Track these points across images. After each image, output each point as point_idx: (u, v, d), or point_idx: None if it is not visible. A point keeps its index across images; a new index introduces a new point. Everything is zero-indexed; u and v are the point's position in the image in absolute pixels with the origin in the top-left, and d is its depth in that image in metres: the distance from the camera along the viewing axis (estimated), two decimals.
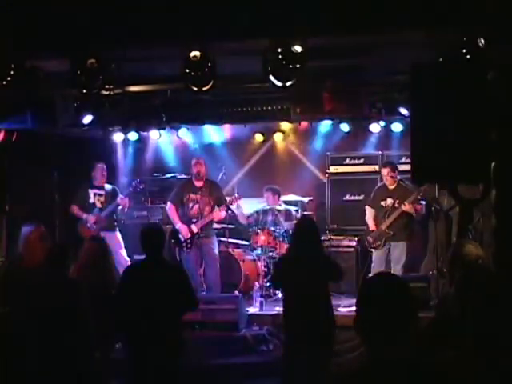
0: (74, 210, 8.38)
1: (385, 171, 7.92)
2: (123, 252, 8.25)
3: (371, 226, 7.95)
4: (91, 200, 8.39)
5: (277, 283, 6.06)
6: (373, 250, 7.96)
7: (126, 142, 9.79)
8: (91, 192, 8.43)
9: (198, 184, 8.06)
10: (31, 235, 5.60)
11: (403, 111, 7.83)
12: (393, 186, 7.89)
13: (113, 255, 7.74)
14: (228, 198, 8.22)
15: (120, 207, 8.44)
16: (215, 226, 8.46)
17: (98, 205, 8.38)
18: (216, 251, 8.17)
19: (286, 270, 5.42)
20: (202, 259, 8.09)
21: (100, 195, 8.43)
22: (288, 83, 5.87)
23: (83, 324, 4.56)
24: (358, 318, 2.14)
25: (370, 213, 8.05)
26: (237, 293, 7.91)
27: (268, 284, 8.09)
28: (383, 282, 2.22)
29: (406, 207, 7.65)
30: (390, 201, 7.83)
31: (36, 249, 5.41)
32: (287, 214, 8.68)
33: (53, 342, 4.49)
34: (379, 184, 8.30)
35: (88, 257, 5.20)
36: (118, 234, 8.39)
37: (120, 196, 8.39)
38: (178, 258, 8.18)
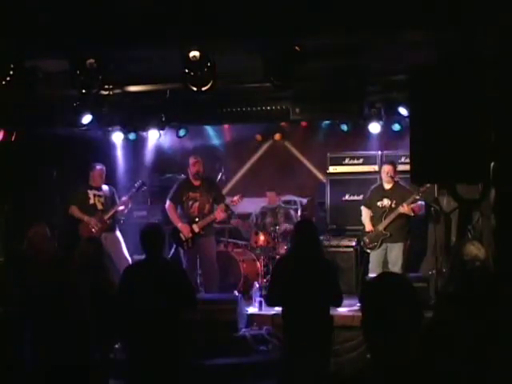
0: (74, 211, 8.25)
1: (386, 169, 7.86)
2: (125, 251, 8.22)
3: (367, 226, 7.93)
4: (91, 201, 8.29)
5: (271, 303, 5.68)
6: (369, 250, 7.94)
7: (125, 142, 9.78)
8: (90, 193, 8.32)
9: (196, 183, 8.07)
10: (36, 235, 5.62)
11: (403, 111, 7.84)
12: (389, 186, 7.85)
13: (108, 255, 7.78)
14: (230, 199, 8.23)
15: (122, 208, 8.39)
16: (215, 225, 8.46)
17: (99, 206, 8.28)
18: (214, 251, 8.18)
19: (284, 276, 5.37)
20: (200, 258, 8.09)
21: (100, 196, 8.34)
22: (287, 83, 5.88)
23: (83, 324, 4.57)
24: (363, 319, 2.15)
25: (365, 213, 8.01)
26: (236, 293, 7.91)
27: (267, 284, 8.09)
28: (387, 281, 2.22)
29: (404, 208, 7.61)
30: (386, 201, 7.79)
31: (41, 249, 5.42)
32: (286, 213, 8.68)
33: (53, 342, 4.50)
34: (375, 184, 8.29)
35: (83, 258, 5.20)
36: (119, 234, 8.35)
37: (122, 197, 8.34)
38: (177, 257, 8.20)
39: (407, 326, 2.10)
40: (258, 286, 7.95)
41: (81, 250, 5.27)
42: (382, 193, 7.87)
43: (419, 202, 7.74)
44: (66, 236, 8.25)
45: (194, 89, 6.02)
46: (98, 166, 8.47)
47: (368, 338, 2.14)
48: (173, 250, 8.53)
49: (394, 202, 7.72)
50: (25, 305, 4.77)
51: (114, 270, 6.87)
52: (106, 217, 8.21)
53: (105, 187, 8.47)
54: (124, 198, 8.34)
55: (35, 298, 4.71)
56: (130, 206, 8.50)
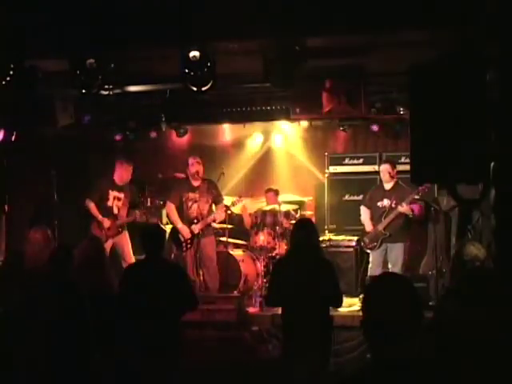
0: (91, 207, 8.07)
1: (384, 168, 7.88)
2: (131, 252, 8.19)
3: (368, 226, 7.93)
4: (109, 203, 8.11)
5: (271, 303, 5.73)
6: (369, 250, 7.94)
7: (125, 142, 9.79)
8: (111, 194, 8.13)
9: (196, 183, 8.06)
10: (37, 236, 5.61)
11: (402, 111, 7.84)
12: (389, 186, 7.85)
13: (115, 255, 7.79)
14: (230, 200, 8.23)
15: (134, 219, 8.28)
16: (214, 225, 8.46)
17: (115, 210, 8.13)
18: (214, 251, 8.18)
19: (283, 276, 5.36)
20: (199, 258, 8.09)
21: (119, 199, 8.15)
22: (287, 83, 5.89)
23: (83, 324, 4.57)
24: (363, 318, 2.15)
25: (365, 213, 8.01)
26: (236, 293, 7.91)
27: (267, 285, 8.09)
28: (388, 281, 2.22)
29: (404, 208, 7.62)
30: (386, 201, 7.79)
31: (41, 250, 5.42)
32: (286, 213, 8.68)
33: (52, 342, 4.50)
34: (376, 185, 8.31)
35: (83, 257, 5.19)
36: (127, 235, 8.29)
37: (137, 211, 8.21)
38: (175, 257, 8.20)
39: (407, 326, 2.10)
40: (257, 285, 7.95)
41: (81, 250, 5.26)
42: (383, 193, 7.87)
43: (419, 203, 7.75)
44: (66, 236, 8.24)
45: (194, 89, 6.03)
46: (125, 163, 8.23)
47: (368, 337, 2.15)
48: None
49: (394, 202, 7.72)
50: (25, 305, 4.77)
51: (121, 270, 6.86)
52: (119, 223, 8.13)
53: (128, 189, 8.26)
54: (140, 213, 8.24)
55: (35, 298, 4.71)
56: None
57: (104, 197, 8.13)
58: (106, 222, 8.06)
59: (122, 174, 8.20)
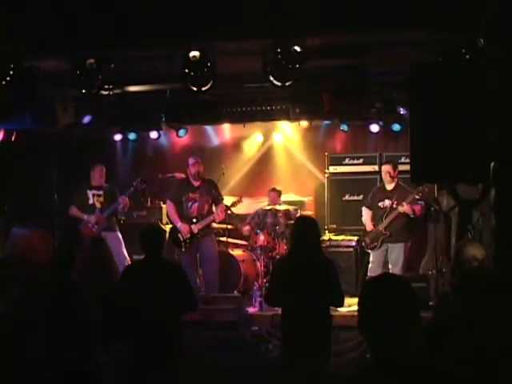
0: (74, 211, 8.35)
1: (385, 168, 7.89)
2: (124, 251, 8.24)
3: (368, 226, 7.93)
4: (90, 201, 8.36)
5: (271, 303, 5.64)
6: (370, 250, 7.94)
7: (125, 142, 9.79)
8: (90, 193, 8.38)
9: (196, 183, 8.07)
10: (36, 237, 5.61)
11: (402, 111, 7.84)
12: (391, 186, 7.86)
13: (113, 256, 7.79)
14: (230, 200, 8.23)
15: (121, 206, 8.39)
16: (215, 225, 8.46)
17: (98, 205, 8.34)
18: (214, 250, 8.17)
19: (283, 275, 5.34)
20: (199, 258, 8.10)
21: (99, 195, 8.39)
22: (288, 83, 5.89)
23: (85, 324, 4.57)
24: (361, 319, 2.15)
25: (366, 213, 8.02)
26: (236, 293, 7.91)
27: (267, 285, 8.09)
28: (386, 282, 2.22)
29: (404, 208, 7.62)
30: (387, 202, 7.80)
31: (41, 251, 5.42)
32: (286, 213, 8.68)
33: (54, 342, 4.50)
34: (377, 185, 8.31)
35: (88, 258, 5.19)
36: (119, 234, 8.38)
37: (121, 196, 8.37)
38: (176, 257, 8.20)
39: (407, 327, 2.10)
40: (257, 285, 7.96)
41: (85, 251, 5.26)
42: (384, 193, 7.88)
43: (420, 203, 7.74)
44: (66, 236, 8.25)
45: (194, 89, 6.03)
46: (98, 166, 8.52)
47: (368, 338, 2.15)
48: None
49: (395, 202, 7.72)
50: (25, 305, 4.77)
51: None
52: (105, 214, 8.24)
53: (106, 186, 8.51)
54: (123, 197, 8.34)
55: (36, 298, 4.71)
56: (128, 205, 8.49)
57: (84, 197, 8.38)
58: (92, 218, 8.22)
59: (95, 176, 8.45)
